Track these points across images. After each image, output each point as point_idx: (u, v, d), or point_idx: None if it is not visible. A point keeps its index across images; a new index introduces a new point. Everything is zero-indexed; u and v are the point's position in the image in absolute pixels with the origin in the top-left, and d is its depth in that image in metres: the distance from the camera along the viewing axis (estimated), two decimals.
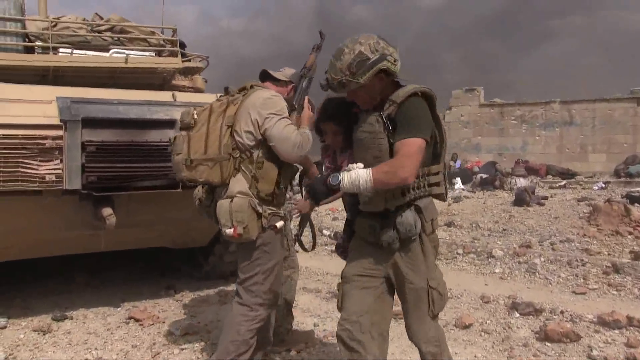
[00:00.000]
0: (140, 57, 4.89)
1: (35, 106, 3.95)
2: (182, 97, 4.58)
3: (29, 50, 4.64)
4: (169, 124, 4.20)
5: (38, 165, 3.86)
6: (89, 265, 6.17)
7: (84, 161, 3.95)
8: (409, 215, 2.30)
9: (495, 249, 6.94)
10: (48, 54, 4.57)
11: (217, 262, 5.48)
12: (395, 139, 2.26)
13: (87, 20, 5.03)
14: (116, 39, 4.90)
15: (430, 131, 2.31)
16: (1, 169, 3.76)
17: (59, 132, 3.91)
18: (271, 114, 2.79)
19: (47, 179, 3.87)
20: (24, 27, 4.65)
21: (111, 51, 4.81)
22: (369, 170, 2.22)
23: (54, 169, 3.90)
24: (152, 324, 4.42)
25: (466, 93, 21.70)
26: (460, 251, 7.12)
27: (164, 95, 4.55)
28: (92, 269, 6.13)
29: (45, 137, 3.87)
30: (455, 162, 19.24)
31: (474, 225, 8.89)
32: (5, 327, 4.37)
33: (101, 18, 5.11)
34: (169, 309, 4.88)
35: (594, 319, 4.37)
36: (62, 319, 4.54)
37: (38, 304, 4.93)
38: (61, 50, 4.63)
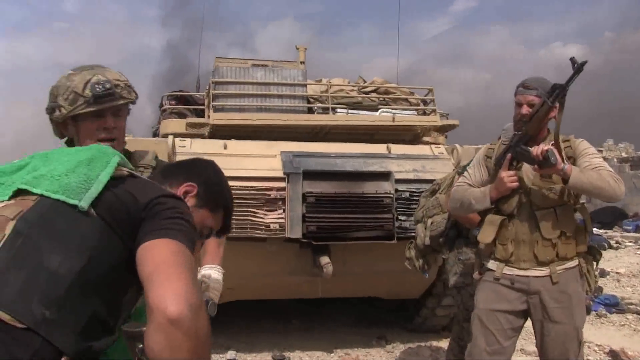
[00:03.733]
0: (405, 116, 5.32)
1: (263, 160, 4.31)
2: (396, 149, 4.63)
3: (309, 111, 5.21)
4: (384, 176, 4.24)
5: (264, 214, 4.16)
6: (303, 310, 6.42)
7: (304, 211, 4.15)
8: None
9: None
10: (327, 114, 5.10)
11: (429, 315, 5.31)
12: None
13: (352, 83, 5.63)
14: (382, 99, 5.38)
15: None
16: (234, 217, 4.12)
17: (283, 184, 4.19)
18: None
19: (271, 227, 4.14)
20: (306, 91, 5.27)
21: (380, 111, 5.26)
22: None
23: (278, 218, 4.16)
24: None
25: None
26: None
27: (379, 148, 4.63)
28: (306, 314, 6.37)
29: (270, 189, 4.18)
30: None
31: None
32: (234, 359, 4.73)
33: (364, 81, 5.69)
34: (380, 359, 4.84)
35: None
36: (281, 359, 4.78)
37: (260, 342, 5.22)
38: (338, 110, 5.14)
